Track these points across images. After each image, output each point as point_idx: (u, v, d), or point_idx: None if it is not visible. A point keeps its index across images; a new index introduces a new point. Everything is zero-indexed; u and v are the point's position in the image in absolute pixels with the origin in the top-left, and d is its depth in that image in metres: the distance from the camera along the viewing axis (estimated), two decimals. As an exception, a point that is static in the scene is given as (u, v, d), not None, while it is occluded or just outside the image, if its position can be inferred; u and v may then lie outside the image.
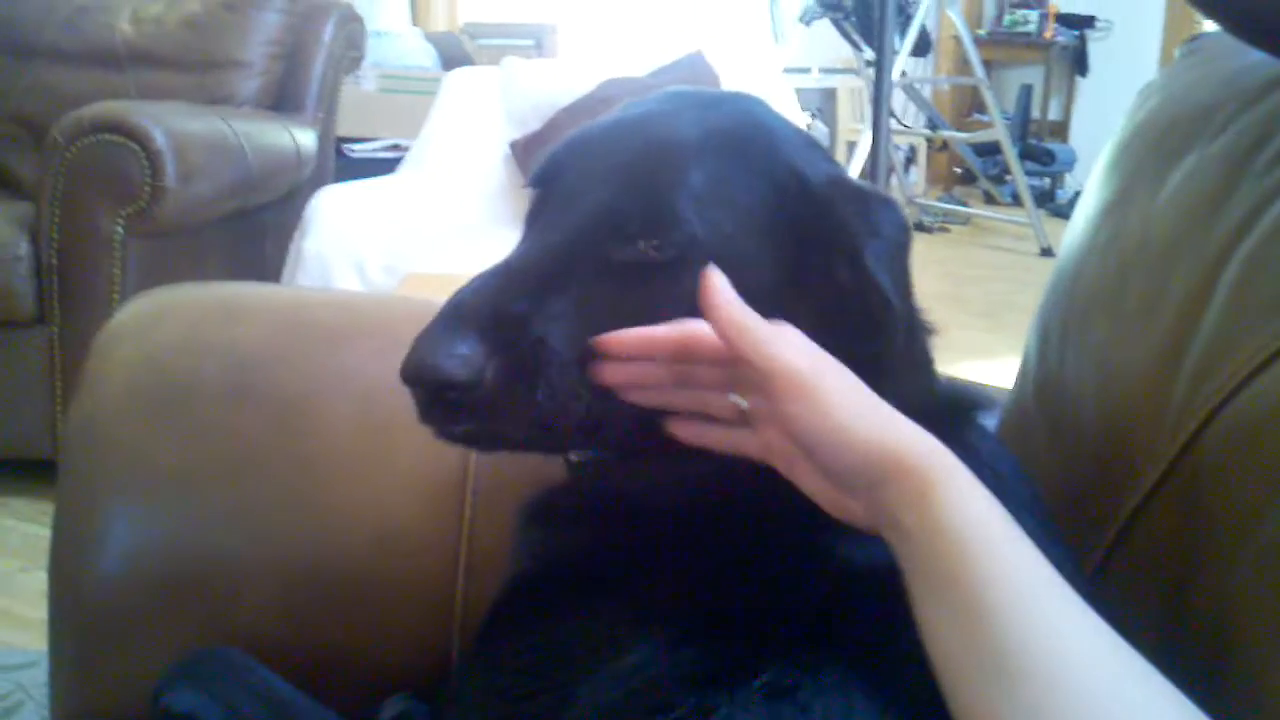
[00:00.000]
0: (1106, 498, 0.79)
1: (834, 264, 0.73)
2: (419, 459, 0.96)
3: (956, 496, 0.59)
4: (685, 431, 0.71)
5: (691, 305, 0.65)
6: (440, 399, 0.66)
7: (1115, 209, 0.93)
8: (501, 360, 0.65)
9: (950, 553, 0.57)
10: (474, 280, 0.70)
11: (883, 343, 0.72)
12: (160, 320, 1.01)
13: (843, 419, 0.62)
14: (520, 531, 0.82)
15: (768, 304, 0.66)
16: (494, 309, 0.67)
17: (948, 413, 0.75)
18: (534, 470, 0.85)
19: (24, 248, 2.42)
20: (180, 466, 0.95)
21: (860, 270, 0.72)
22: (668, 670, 0.64)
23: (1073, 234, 0.98)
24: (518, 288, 0.68)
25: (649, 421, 0.71)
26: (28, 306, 2.44)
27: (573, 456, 0.80)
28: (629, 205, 0.71)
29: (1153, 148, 0.93)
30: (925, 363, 0.79)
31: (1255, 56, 0.87)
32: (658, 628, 0.67)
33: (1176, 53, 1.04)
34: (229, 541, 0.94)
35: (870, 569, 0.65)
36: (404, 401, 0.97)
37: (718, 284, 0.64)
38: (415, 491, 0.95)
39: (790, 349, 0.64)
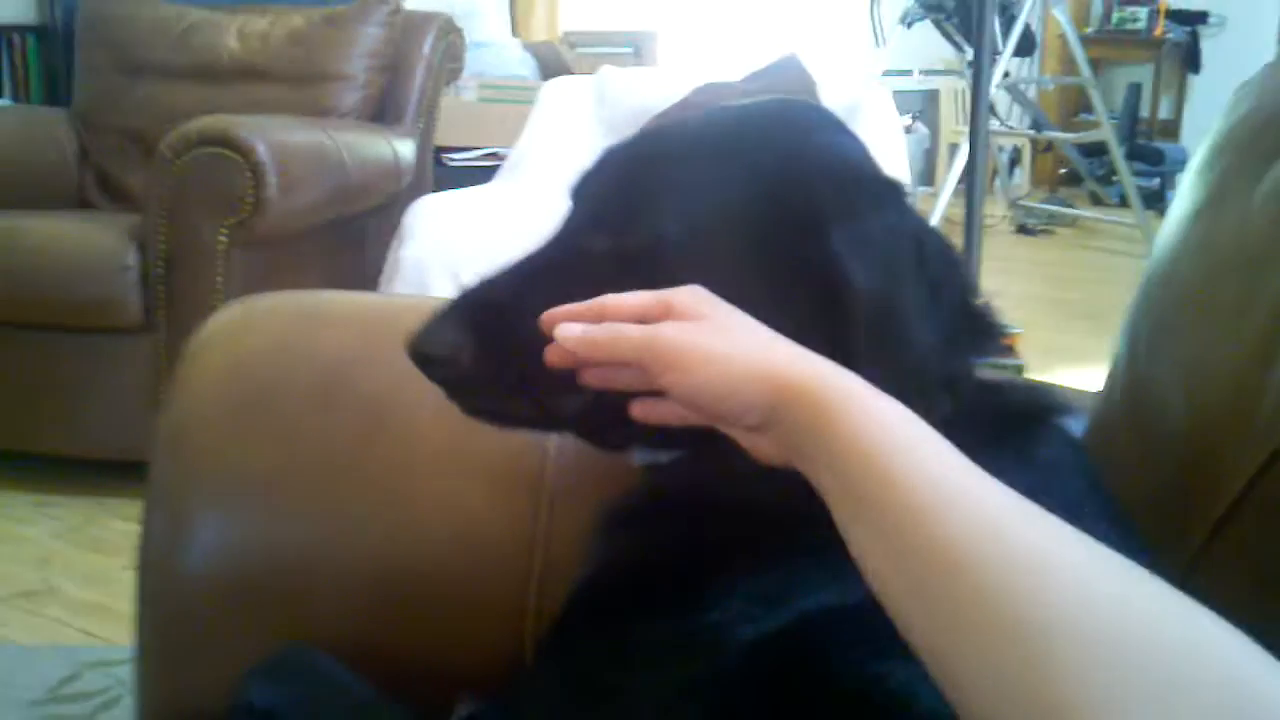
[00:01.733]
0: (1193, 505, 0.76)
1: (806, 246, 0.71)
2: (497, 460, 0.96)
3: (857, 412, 0.57)
4: (639, 410, 0.71)
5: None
6: (435, 376, 0.75)
7: (1208, 210, 0.90)
8: (475, 341, 0.73)
9: (861, 471, 0.55)
10: (480, 277, 0.78)
11: (849, 330, 0.69)
12: (249, 327, 1.03)
13: (708, 369, 0.62)
14: (597, 534, 0.82)
15: (746, 294, 0.68)
16: (481, 300, 0.76)
17: (1010, 418, 0.74)
18: (609, 475, 0.85)
19: (132, 257, 2.51)
20: (266, 470, 0.96)
21: (824, 250, 0.70)
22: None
23: (1165, 235, 0.95)
24: (507, 281, 0.77)
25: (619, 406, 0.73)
26: (135, 314, 2.52)
27: (636, 459, 0.82)
28: (609, 203, 0.77)
29: (1248, 148, 0.90)
30: (924, 358, 0.72)
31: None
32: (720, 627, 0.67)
33: (1268, 46, 1.01)
34: (313, 544, 0.96)
35: None
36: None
37: (554, 317, 0.69)
38: (494, 495, 0.96)
39: (637, 331, 0.65)
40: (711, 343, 0.64)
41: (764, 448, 0.64)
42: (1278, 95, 0.92)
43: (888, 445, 0.55)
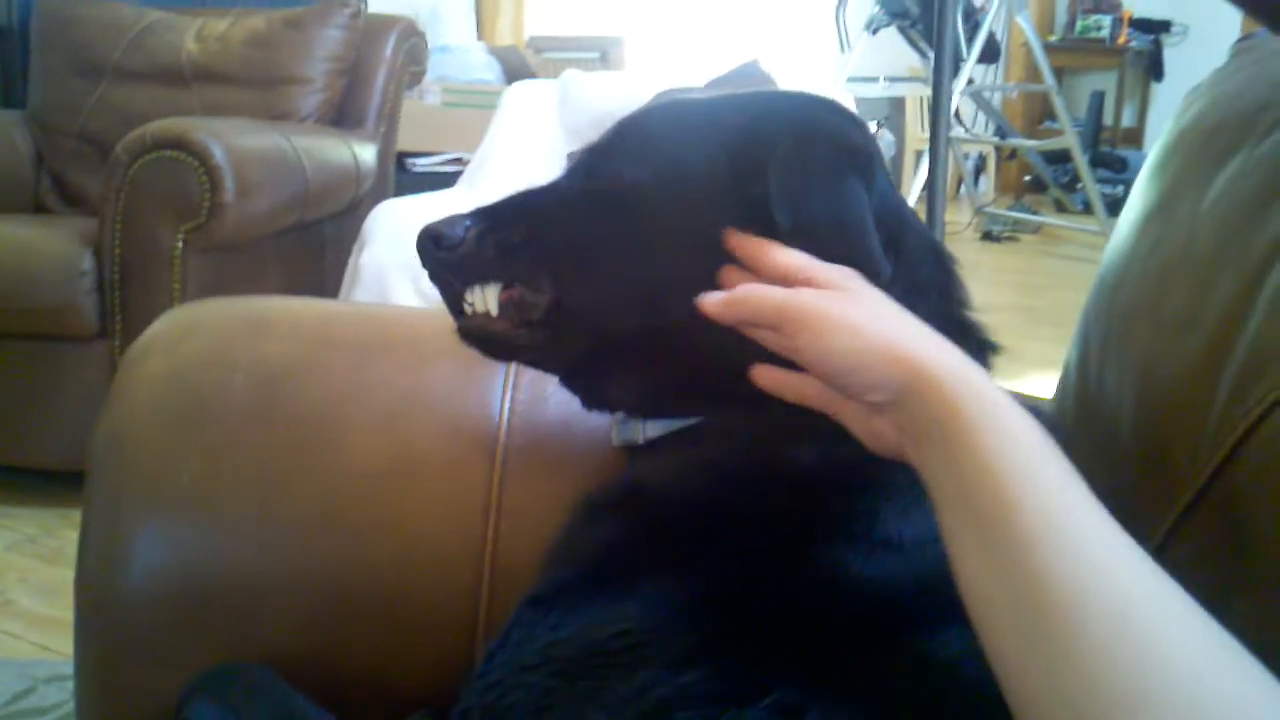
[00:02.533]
0: (1144, 513, 0.76)
1: (752, 189, 0.75)
2: (445, 474, 0.95)
3: (991, 421, 0.56)
4: (765, 377, 0.71)
5: (625, 231, 0.80)
6: (433, 259, 0.85)
7: (1159, 215, 0.90)
8: (479, 231, 0.82)
9: (982, 477, 0.55)
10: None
11: None
12: (189, 335, 1.01)
13: (846, 336, 0.62)
14: (577, 526, 0.82)
15: (711, 241, 0.74)
16: (493, 209, 0.85)
17: None
18: (560, 484, 0.84)
19: (87, 263, 2.46)
20: (205, 482, 0.94)
21: (762, 192, 0.74)
22: (675, 691, 0.63)
23: (1117, 240, 0.95)
24: (520, 199, 0.86)
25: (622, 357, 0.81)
26: (90, 321, 2.48)
27: (614, 437, 0.88)
28: (594, 152, 0.86)
29: (1198, 151, 0.90)
30: None
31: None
32: (667, 642, 0.66)
33: (1227, 53, 1.01)
34: (253, 557, 0.94)
35: (883, 584, 0.64)
36: (431, 416, 0.98)
37: (739, 239, 0.73)
38: (440, 507, 0.94)
39: (778, 291, 0.66)
40: (852, 312, 0.64)
41: (880, 429, 0.64)
42: (1227, 99, 0.92)
43: (1013, 465, 0.54)
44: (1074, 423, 0.91)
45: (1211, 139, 0.88)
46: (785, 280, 0.68)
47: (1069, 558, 0.50)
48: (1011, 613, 0.51)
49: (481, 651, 0.93)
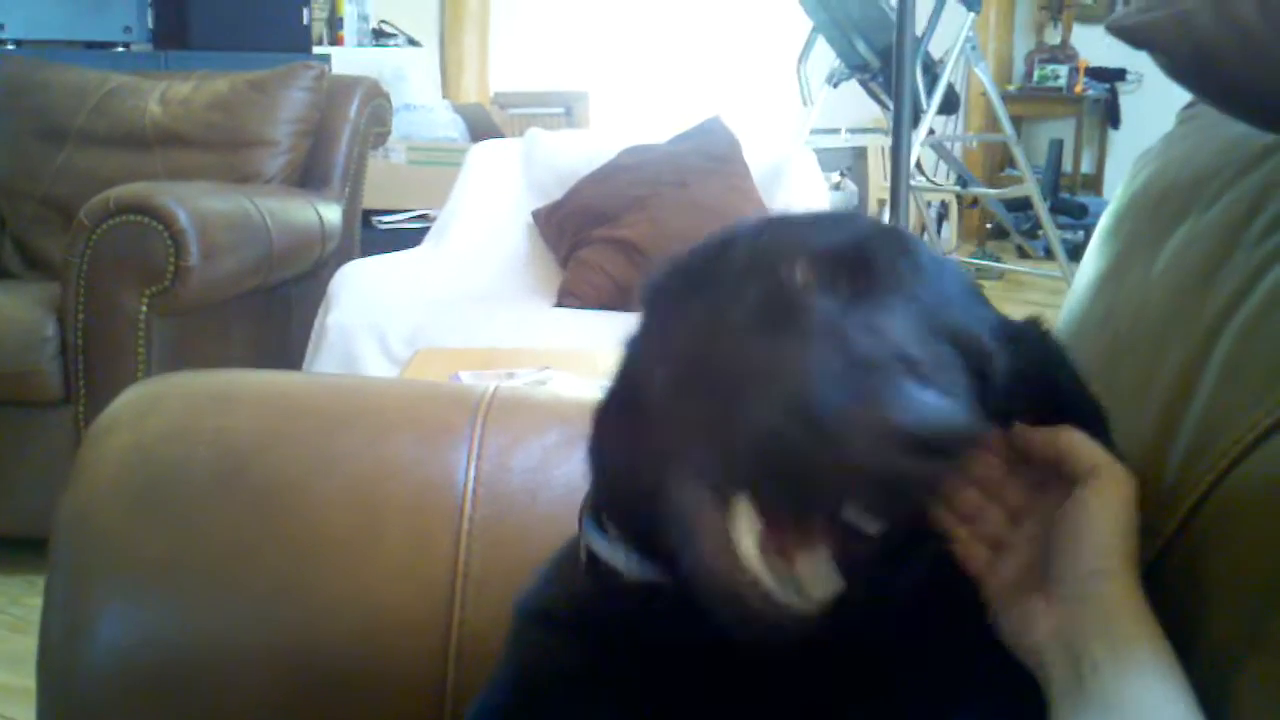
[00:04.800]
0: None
1: None
2: (409, 545, 0.95)
3: (1163, 654, 0.58)
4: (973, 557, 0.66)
5: None
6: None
7: (1110, 280, 0.91)
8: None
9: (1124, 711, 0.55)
10: None
11: None
12: (152, 409, 1.01)
13: (1108, 523, 0.62)
14: (517, 632, 0.76)
15: None
16: None
17: None
18: (531, 555, 0.84)
19: (50, 328, 2.46)
20: (168, 557, 0.94)
21: None
22: None
23: (1070, 306, 0.96)
24: None
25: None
26: (54, 386, 2.47)
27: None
28: None
29: (1149, 217, 0.91)
30: None
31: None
32: None
33: (1174, 118, 1.03)
34: (218, 630, 0.94)
35: None
36: (396, 487, 0.98)
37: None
38: (405, 578, 0.94)
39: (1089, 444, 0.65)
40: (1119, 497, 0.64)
41: (1036, 620, 0.62)
42: (1175, 165, 0.93)
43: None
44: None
45: (1161, 206, 0.90)
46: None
47: None
48: None
49: (451, 717, 0.93)
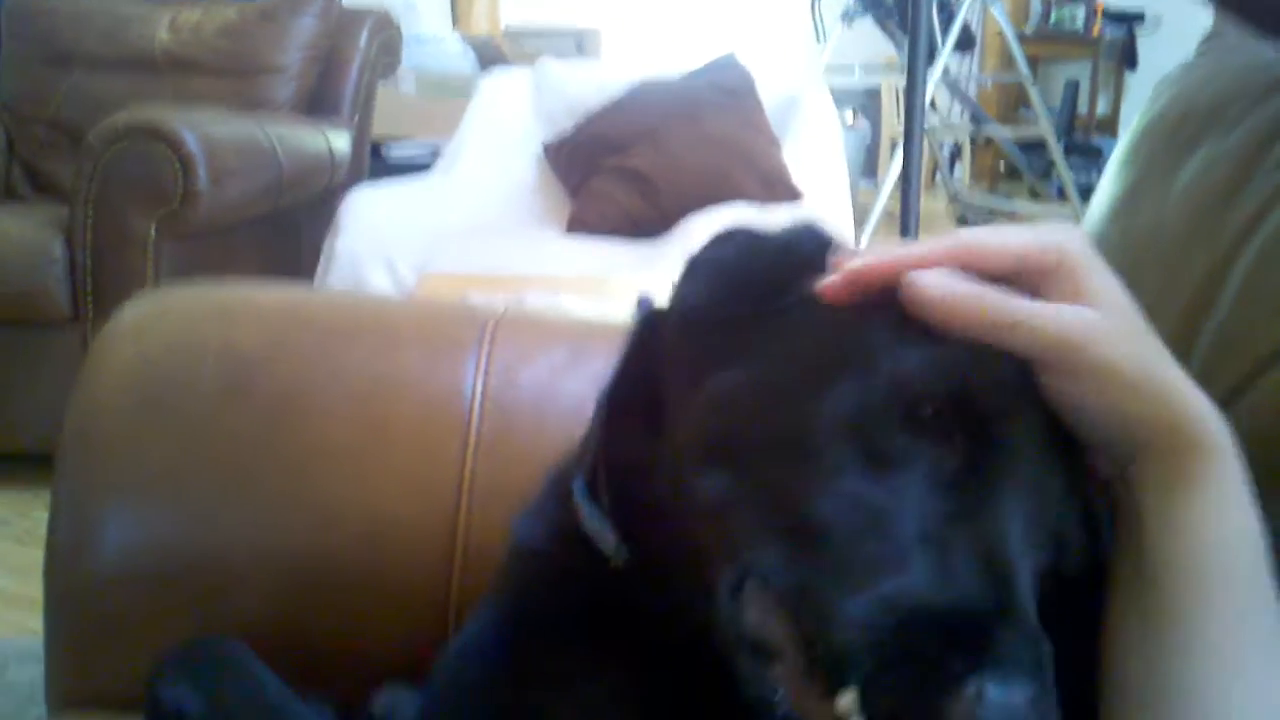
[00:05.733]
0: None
1: None
2: (415, 456, 0.95)
3: (1226, 494, 0.50)
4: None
5: None
6: None
7: (1128, 203, 0.91)
8: None
9: (1181, 566, 0.48)
10: None
11: None
12: (158, 321, 1.01)
13: (1119, 387, 0.51)
14: (509, 565, 0.75)
15: None
16: None
17: None
18: (537, 468, 0.84)
19: (58, 249, 2.46)
20: (174, 466, 0.94)
21: None
22: None
23: (1087, 228, 0.95)
24: None
25: None
26: (62, 306, 2.48)
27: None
28: None
29: (1166, 142, 0.91)
30: None
31: (1268, 53, 0.84)
32: None
33: (1195, 47, 1.01)
34: (222, 538, 0.94)
35: None
36: (402, 399, 0.98)
37: (905, 261, 0.54)
38: (410, 489, 0.94)
39: (1047, 321, 0.52)
40: (1128, 353, 0.53)
41: None
42: (1193, 91, 0.93)
43: (1224, 561, 0.49)
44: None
45: (1178, 130, 0.89)
46: (1019, 268, 0.54)
47: (1232, 684, 0.47)
48: (1150, 705, 0.47)
49: (454, 627, 0.94)
